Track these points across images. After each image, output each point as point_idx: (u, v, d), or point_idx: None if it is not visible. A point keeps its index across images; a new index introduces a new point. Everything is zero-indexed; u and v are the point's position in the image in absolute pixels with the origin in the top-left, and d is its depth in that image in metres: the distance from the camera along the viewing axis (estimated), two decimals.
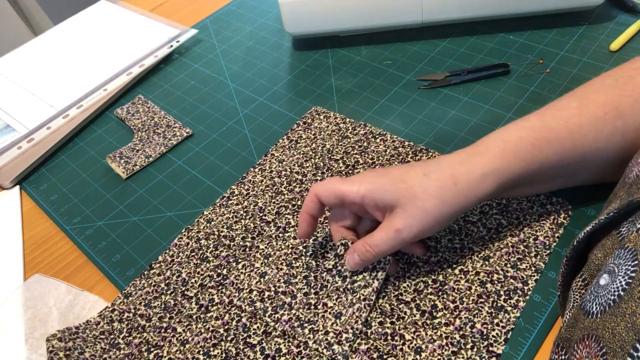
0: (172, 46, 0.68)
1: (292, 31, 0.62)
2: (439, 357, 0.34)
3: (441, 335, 0.35)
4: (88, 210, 0.50)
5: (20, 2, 1.45)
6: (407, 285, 0.39)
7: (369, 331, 0.36)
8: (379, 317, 0.37)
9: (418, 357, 0.35)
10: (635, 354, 0.22)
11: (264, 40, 0.68)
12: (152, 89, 0.64)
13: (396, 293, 0.38)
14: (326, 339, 0.36)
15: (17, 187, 0.55)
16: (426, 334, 0.36)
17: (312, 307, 0.38)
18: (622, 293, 0.24)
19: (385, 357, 0.35)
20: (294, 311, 0.38)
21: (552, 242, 0.40)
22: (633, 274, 0.24)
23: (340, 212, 0.39)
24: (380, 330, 0.36)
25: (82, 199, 0.52)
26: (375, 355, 0.35)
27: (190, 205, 0.49)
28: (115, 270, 0.45)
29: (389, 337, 0.36)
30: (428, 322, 0.36)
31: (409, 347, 0.35)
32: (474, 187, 0.34)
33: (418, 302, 0.37)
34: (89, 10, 0.79)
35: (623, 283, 0.24)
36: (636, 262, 0.24)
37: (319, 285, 0.39)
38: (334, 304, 0.38)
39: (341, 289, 0.38)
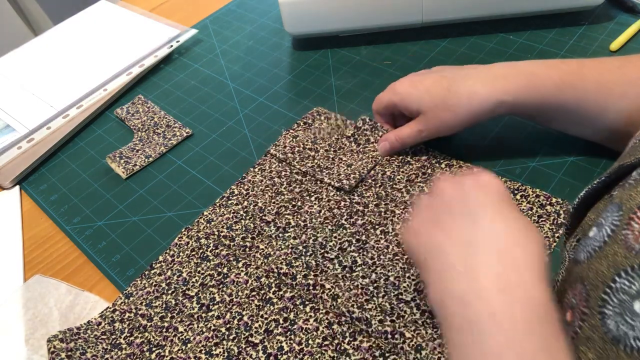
0: (172, 46, 0.68)
1: (292, 31, 0.62)
2: (439, 355, 0.35)
3: (441, 334, 0.35)
4: (88, 210, 0.50)
5: (20, 2, 1.45)
6: (407, 285, 0.39)
7: (369, 329, 0.36)
8: (379, 316, 0.37)
9: (418, 355, 0.35)
10: (613, 285, 0.23)
11: (264, 40, 0.68)
12: (152, 89, 0.64)
13: (396, 292, 0.38)
14: (326, 318, 0.38)
15: (17, 187, 0.55)
16: (426, 332, 0.36)
17: (311, 287, 0.39)
18: (607, 239, 0.25)
19: (387, 355, 0.35)
20: (296, 291, 0.40)
21: (552, 242, 0.40)
22: (617, 222, 0.25)
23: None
24: (380, 328, 0.36)
25: (82, 199, 0.52)
26: (377, 353, 0.35)
27: (190, 205, 0.49)
28: (115, 270, 0.45)
29: (389, 336, 0.36)
30: (428, 320, 0.37)
31: (409, 345, 0.35)
32: (487, 107, 0.41)
33: (418, 301, 0.38)
34: (89, 10, 0.79)
35: (608, 230, 0.26)
36: (621, 212, 0.25)
37: (319, 270, 0.41)
38: (332, 286, 0.39)
39: (339, 276, 0.40)
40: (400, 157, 0.48)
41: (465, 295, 0.28)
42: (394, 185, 0.46)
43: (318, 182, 0.48)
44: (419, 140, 0.46)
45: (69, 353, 0.38)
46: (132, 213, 0.49)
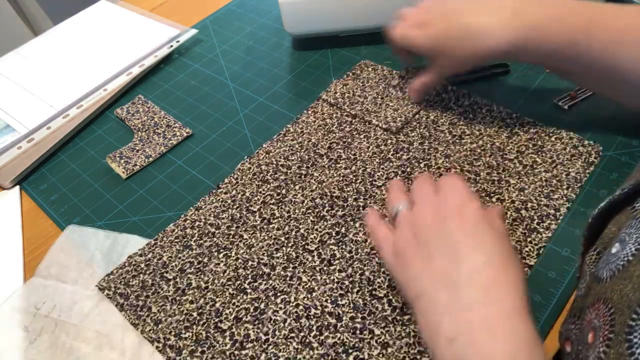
0: (172, 46, 0.68)
1: (292, 31, 0.62)
2: (405, 355, 0.35)
3: (409, 332, 0.36)
4: (88, 210, 0.50)
5: (20, 2, 1.45)
6: (382, 280, 0.39)
7: (338, 324, 0.37)
8: (350, 312, 0.38)
9: (384, 351, 0.35)
10: None
11: (264, 40, 0.68)
12: (152, 89, 0.64)
13: (370, 288, 0.39)
14: (295, 312, 0.38)
15: (17, 187, 0.55)
16: (395, 330, 0.36)
17: (288, 279, 0.41)
18: (631, 258, 0.25)
19: (350, 351, 0.36)
20: (271, 282, 0.41)
21: (582, 177, 0.44)
22: None
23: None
24: (350, 324, 0.37)
25: (82, 199, 0.52)
26: (340, 350, 0.36)
27: (190, 205, 0.49)
28: None
29: (358, 331, 0.36)
30: (398, 317, 0.37)
31: (376, 341, 0.36)
32: (509, 49, 0.41)
33: (390, 297, 0.38)
34: (89, 10, 0.79)
35: (633, 249, 0.25)
36: None
37: (368, 195, 0.46)
38: (308, 279, 0.41)
39: (317, 269, 0.41)
40: (444, 103, 0.53)
41: (451, 332, 0.28)
42: (437, 127, 0.51)
43: (367, 123, 0.52)
44: (442, 79, 0.51)
45: (148, 262, 0.44)
46: (132, 213, 0.49)
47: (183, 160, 0.54)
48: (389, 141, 0.50)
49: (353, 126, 0.52)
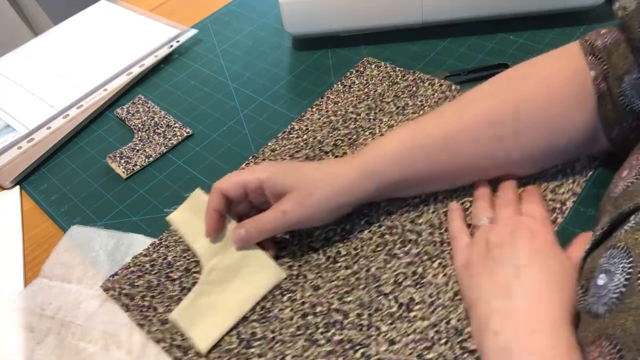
0: (172, 46, 0.68)
1: (292, 31, 0.62)
2: (412, 351, 0.35)
3: (415, 329, 0.36)
4: (88, 210, 0.50)
5: (20, 2, 1.45)
6: (387, 277, 0.39)
7: (345, 321, 0.37)
8: (357, 309, 0.38)
9: (391, 347, 0.35)
10: None
11: (264, 40, 0.68)
12: (152, 89, 0.64)
13: (376, 284, 0.39)
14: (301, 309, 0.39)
15: (17, 187, 0.55)
16: (402, 327, 0.36)
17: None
18: (623, 289, 0.25)
19: (357, 348, 0.36)
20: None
21: (588, 172, 0.43)
22: (630, 270, 0.25)
23: (241, 205, 0.42)
24: (356, 321, 0.37)
25: (82, 199, 0.52)
26: (347, 346, 0.36)
27: None
28: None
29: (364, 328, 0.36)
30: (404, 314, 0.37)
31: (383, 338, 0.36)
32: (356, 183, 0.39)
33: (397, 294, 0.38)
34: (89, 10, 0.79)
35: (622, 279, 0.25)
36: (631, 258, 0.25)
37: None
38: (314, 276, 0.40)
39: (322, 266, 0.41)
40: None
41: (497, 327, 0.31)
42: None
43: (371, 120, 0.52)
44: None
45: (152, 262, 0.43)
46: (132, 213, 0.49)
47: (183, 160, 0.54)
48: None
49: (358, 123, 0.52)
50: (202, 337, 0.37)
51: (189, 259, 0.43)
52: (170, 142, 0.55)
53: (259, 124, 0.56)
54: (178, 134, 0.56)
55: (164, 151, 0.55)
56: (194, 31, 0.70)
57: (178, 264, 0.43)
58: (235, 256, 0.40)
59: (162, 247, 0.45)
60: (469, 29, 0.62)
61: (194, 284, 0.41)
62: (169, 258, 0.44)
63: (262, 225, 0.39)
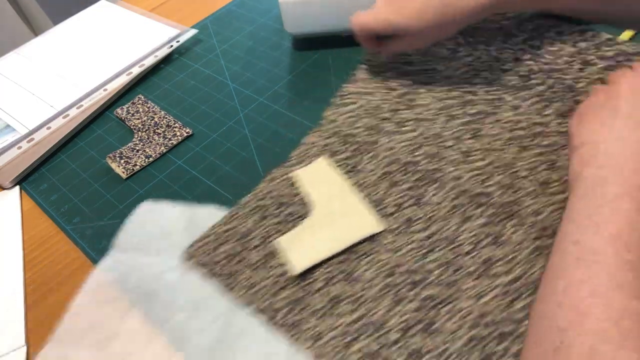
0: (172, 46, 0.68)
1: (292, 31, 0.62)
2: (500, 302, 0.36)
3: (498, 285, 0.37)
4: (88, 210, 0.50)
5: (20, 2, 1.45)
6: (464, 238, 0.40)
7: (428, 279, 0.38)
8: (438, 269, 0.39)
9: (478, 302, 0.36)
10: None
11: (264, 40, 0.68)
12: (152, 89, 0.64)
13: (453, 246, 0.40)
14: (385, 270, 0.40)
15: (17, 187, 0.55)
16: (484, 283, 0.37)
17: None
18: None
19: (443, 304, 0.37)
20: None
21: None
22: None
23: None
24: (439, 279, 0.38)
25: (82, 199, 0.52)
26: (434, 303, 0.37)
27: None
28: None
29: (449, 285, 0.38)
30: (486, 272, 0.38)
31: (469, 293, 0.37)
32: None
33: (475, 253, 0.39)
34: (89, 10, 0.79)
35: None
36: None
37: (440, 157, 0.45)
38: (393, 238, 0.42)
39: (396, 231, 0.42)
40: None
41: (605, 167, 0.33)
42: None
43: (426, 76, 0.51)
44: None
45: (228, 232, 0.44)
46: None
47: (183, 160, 0.54)
48: (453, 93, 0.50)
49: (413, 76, 0.51)
50: (298, 261, 0.41)
51: (265, 228, 0.44)
52: (170, 142, 0.55)
53: (259, 124, 0.56)
54: (178, 134, 0.56)
55: (164, 151, 0.55)
56: (194, 31, 0.70)
57: (254, 232, 0.44)
58: (341, 205, 0.44)
59: (237, 217, 0.45)
60: None
61: (273, 251, 0.43)
62: (246, 227, 0.45)
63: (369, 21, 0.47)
